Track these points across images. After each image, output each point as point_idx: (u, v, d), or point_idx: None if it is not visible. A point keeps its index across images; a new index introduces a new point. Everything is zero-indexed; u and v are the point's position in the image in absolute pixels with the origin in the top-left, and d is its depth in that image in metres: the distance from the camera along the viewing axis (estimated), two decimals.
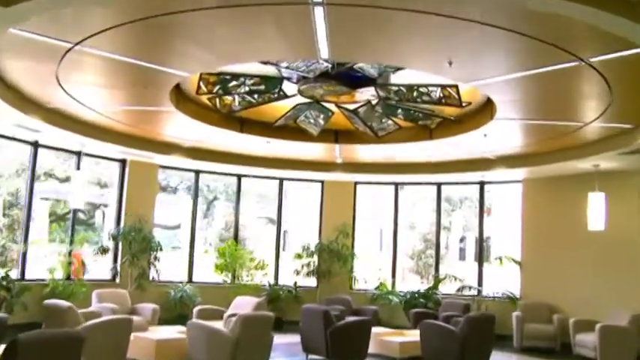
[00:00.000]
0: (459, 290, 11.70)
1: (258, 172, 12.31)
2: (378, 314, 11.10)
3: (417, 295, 11.73)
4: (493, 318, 8.52)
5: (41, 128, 8.48)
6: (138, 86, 6.72)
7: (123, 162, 11.27)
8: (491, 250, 13.90)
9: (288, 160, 11.40)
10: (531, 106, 7.11)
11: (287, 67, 6.52)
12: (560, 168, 9.86)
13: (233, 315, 8.08)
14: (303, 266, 12.47)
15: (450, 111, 7.85)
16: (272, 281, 12.54)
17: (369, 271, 13.11)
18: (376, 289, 12.36)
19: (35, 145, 9.76)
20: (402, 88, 7.04)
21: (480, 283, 11.85)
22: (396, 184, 13.05)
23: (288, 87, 7.25)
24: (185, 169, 12.41)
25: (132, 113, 8.41)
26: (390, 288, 12.39)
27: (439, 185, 12.69)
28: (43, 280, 9.52)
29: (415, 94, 7.07)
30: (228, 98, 7.69)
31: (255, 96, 7.54)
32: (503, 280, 11.76)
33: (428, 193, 13.67)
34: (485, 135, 8.40)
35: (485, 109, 7.64)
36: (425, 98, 7.12)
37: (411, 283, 14.09)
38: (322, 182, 13.07)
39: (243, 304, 9.44)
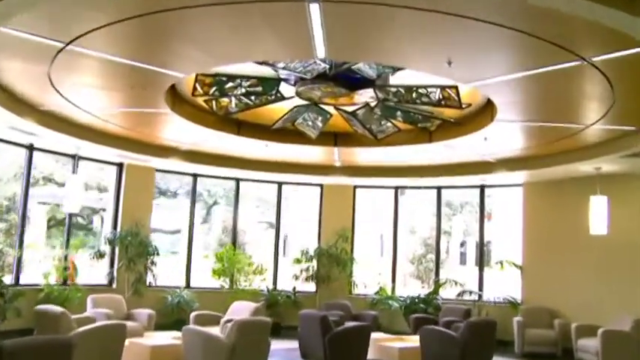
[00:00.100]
0: (459, 295, 11.58)
1: (257, 175, 12.22)
2: (378, 319, 10.97)
3: (417, 300, 11.60)
4: (494, 323, 8.43)
5: (36, 131, 8.38)
6: (133, 88, 6.60)
7: (120, 165, 11.17)
8: (492, 255, 13.79)
9: (286, 163, 11.31)
10: (532, 108, 7.00)
11: (284, 68, 6.42)
12: (561, 171, 9.75)
13: (230, 320, 7.94)
14: (302, 271, 12.35)
15: (449, 113, 7.75)
16: (271, 286, 12.41)
17: (368, 276, 12.99)
18: (376, 294, 12.23)
19: (30, 148, 9.66)
20: (400, 89, 6.95)
21: (480, 288, 11.72)
22: (396, 188, 12.96)
23: (286, 89, 7.16)
24: (183, 173, 12.33)
25: (128, 116, 8.31)
26: (389, 293, 12.27)
27: (439, 189, 12.58)
28: (37, 285, 9.40)
29: (414, 95, 6.98)
30: (224, 100, 7.60)
31: (252, 98, 7.45)
32: (504, 284, 11.66)
33: (428, 197, 13.56)
34: (485, 138, 8.29)
35: (486, 111, 7.53)
36: (424, 100, 7.03)
37: (411, 287, 13.96)
38: (321, 186, 12.96)
39: (241, 310, 9.32)
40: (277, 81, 7.02)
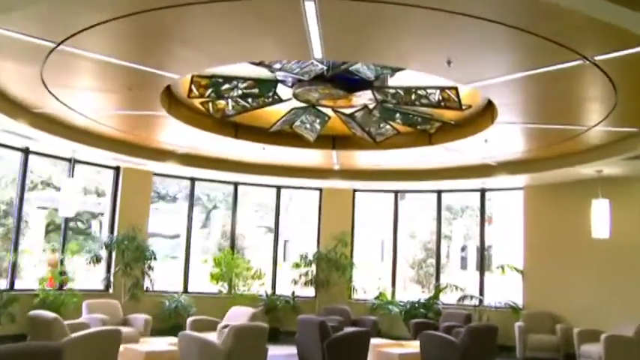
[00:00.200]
0: (460, 300, 11.46)
1: (255, 179, 12.13)
2: (378, 325, 10.87)
3: (417, 305, 11.49)
4: (495, 329, 8.32)
5: (30, 134, 8.28)
6: (126, 89, 6.49)
7: (116, 169, 11.07)
8: (493, 259, 13.71)
9: (284, 167, 11.21)
10: (533, 109, 6.90)
11: (280, 69, 6.32)
12: (562, 174, 9.64)
13: (227, 326, 7.82)
14: (301, 276, 12.23)
15: (449, 115, 7.65)
16: (269, 291, 12.29)
17: (368, 281, 12.89)
18: (376, 298, 12.12)
19: (26, 151, 9.57)
20: (399, 90, 6.85)
21: (481, 293, 11.60)
22: (396, 192, 12.85)
23: (283, 91, 7.07)
24: (180, 177, 12.24)
25: (124, 119, 8.21)
26: (389, 298, 12.15)
27: (439, 193, 12.47)
28: (32, 290, 9.29)
29: (413, 97, 6.89)
30: (221, 102, 7.51)
31: (249, 100, 7.36)
32: (505, 289, 11.56)
33: (428, 201, 13.47)
34: (486, 140, 8.19)
35: (486, 113, 7.43)
36: (423, 101, 6.94)
37: (411, 292, 13.87)
38: (320, 190, 12.86)
39: (238, 315, 9.19)
40: (274, 83, 6.93)
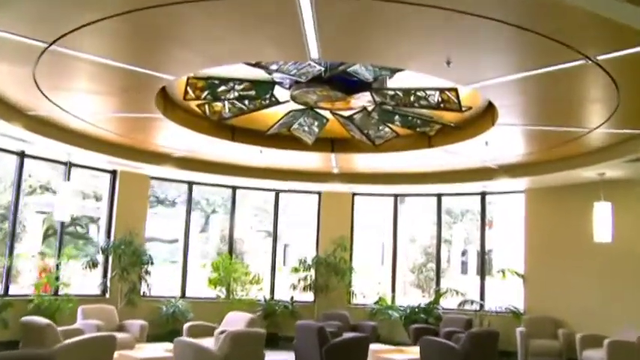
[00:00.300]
0: (460, 305, 11.34)
1: (253, 183, 12.03)
2: (377, 330, 10.74)
3: (417, 310, 11.37)
4: (496, 334, 8.21)
5: (25, 137, 8.18)
6: (120, 91, 6.39)
7: (113, 173, 10.98)
8: (494, 263, 13.58)
9: (283, 170, 11.11)
10: (533, 111, 6.79)
11: (277, 71, 6.21)
12: (563, 177, 9.54)
13: (224, 332, 7.70)
14: (299, 280, 12.11)
15: (449, 117, 7.55)
16: (268, 296, 12.17)
17: (367, 286, 12.77)
18: (375, 303, 11.99)
19: (21, 155, 9.47)
20: (398, 92, 6.74)
21: (482, 298, 11.48)
22: (395, 196, 12.75)
23: (281, 93, 6.97)
24: (177, 181, 12.15)
25: (119, 121, 8.11)
26: (389, 302, 12.03)
27: (439, 196, 12.36)
28: (27, 295, 9.17)
29: (412, 98, 6.77)
30: (217, 105, 7.41)
31: (246, 102, 7.26)
32: (506, 294, 11.45)
33: (428, 205, 13.36)
34: (486, 143, 8.09)
35: (486, 115, 7.33)
36: (423, 103, 6.83)
37: (411, 297, 13.74)
38: (319, 194, 12.75)
39: (236, 320, 9.07)
40: (271, 84, 6.83)
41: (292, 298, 12.05)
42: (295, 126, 8.17)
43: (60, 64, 5.51)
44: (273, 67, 6.12)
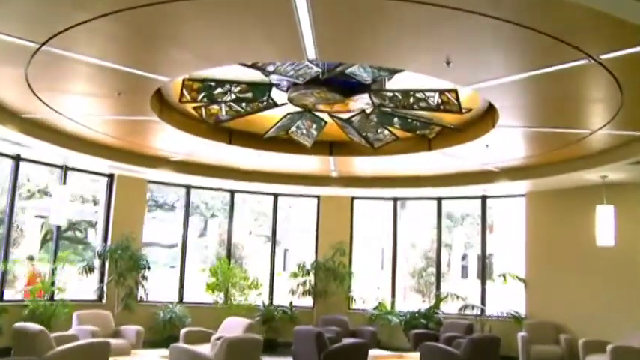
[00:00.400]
0: (461, 309, 11.22)
1: (252, 187, 11.93)
2: (377, 335, 10.63)
3: (417, 314, 11.25)
4: (497, 339, 8.12)
5: (20, 140, 8.08)
6: (115, 92, 6.28)
7: (110, 177, 10.88)
8: (495, 268, 13.48)
9: (281, 174, 11.02)
10: (535, 112, 6.68)
11: (274, 72, 6.12)
12: (565, 180, 9.43)
13: (220, 338, 7.58)
14: (298, 285, 11.99)
15: (449, 119, 7.45)
16: (267, 301, 12.05)
17: (367, 290, 12.65)
18: (375, 308, 11.86)
19: (17, 159, 9.37)
20: (397, 94, 6.65)
21: (483, 302, 11.37)
22: (395, 200, 12.64)
23: (278, 95, 6.87)
24: (175, 185, 12.04)
25: (115, 124, 8.03)
26: (389, 307, 11.91)
27: (439, 200, 12.26)
28: (22, 300, 9.06)
29: (412, 100, 6.67)
30: (214, 107, 7.31)
31: (243, 104, 7.16)
32: (507, 298, 11.34)
33: (428, 209, 13.26)
34: (487, 146, 7.99)
35: (487, 117, 7.23)
36: (422, 104, 6.73)
37: (412, 302, 13.65)
38: (318, 198, 12.64)
39: (234, 326, 8.95)
40: (268, 86, 6.73)
41: (291, 303, 11.93)
42: (293, 129, 8.07)
43: (52, 65, 5.42)
44: (270, 68, 6.03)
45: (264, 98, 6.94)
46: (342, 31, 4.63)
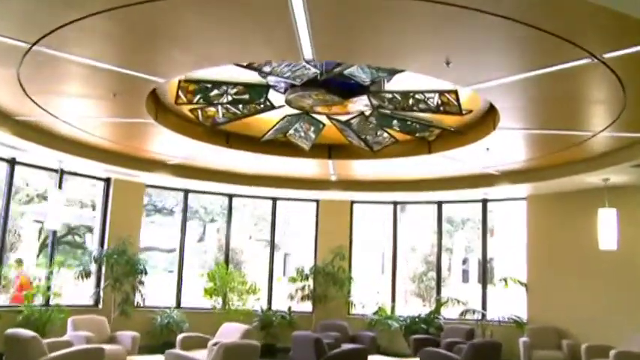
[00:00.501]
0: (462, 314, 11.08)
1: (250, 191, 11.82)
2: (377, 341, 10.51)
3: (417, 319, 11.13)
4: (499, 345, 8.02)
5: (15, 144, 7.98)
6: (110, 94, 6.18)
7: (107, 181, 10.77)
8: (496, 272, 13.37)
9: (279, 177, 10.91)
10: (536, 114, 6.57)
11: (271, 73, 6.02)
12: (567, 183, 9.33)
13: (217, 343, 7.46)
14: (297, 290, 11.87)
15: (449, 121, 7.35)
16: (265, 306, 11.93)
17: (367, 295, 12.53)
18: (374, 313, 11.73)
19: (12, 162, 9.26)
20: (396, 95, 6.55)
21: (484, 307, 11.23)
22: (395, 203, 12.53)
23: (275, 97, 6.78)
24: (173, 189, 11.94)
25: (111, 127, 7.93)
26: (389, 312, 11.77)
27: (440, 204, 12.15)
28: (17, 306, 8.94)
29: (411, 101, 6.58)
30: (211, 110, 7.22)
31: (240, 107, 7.06)
32: (508, 303, 11.20)
33: (428, 213, 13.16)
34: (487, 148, 7.88)
35: (487, 119, 7.13)
36: (422, 106, 6.63)
37: (412, 306, 13.53)
38: (317, 202, 12.53)
39: (231, 331, 8.81)
40: (265, 88, 6.64)
41: (290, 308, 11.81)
42: (291, 132, 7.99)
43: (45, 65, 5.32)
44: (267, 69, 5.93)
45: (262, 100, 6.86)
46: (340, 31, 4.53)
